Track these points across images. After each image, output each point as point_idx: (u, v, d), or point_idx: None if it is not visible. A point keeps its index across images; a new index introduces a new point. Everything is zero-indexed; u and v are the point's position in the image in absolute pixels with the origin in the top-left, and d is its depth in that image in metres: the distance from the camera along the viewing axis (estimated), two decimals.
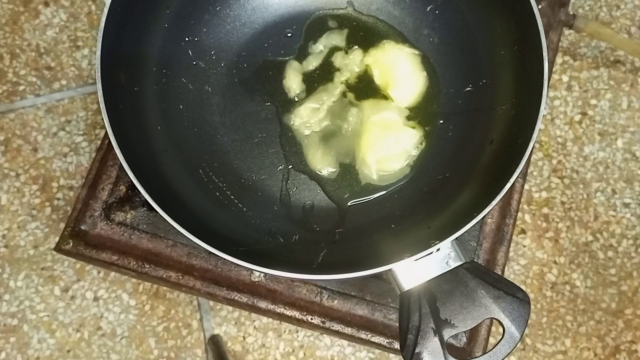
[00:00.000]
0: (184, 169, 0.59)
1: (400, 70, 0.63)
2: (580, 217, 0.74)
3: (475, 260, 0.60)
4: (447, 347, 0.47)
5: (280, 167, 0.61)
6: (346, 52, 0.64)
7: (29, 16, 0.80)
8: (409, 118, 0.62)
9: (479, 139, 0.59)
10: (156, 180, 0.55)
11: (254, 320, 0.70)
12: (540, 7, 0.67)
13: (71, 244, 0.61)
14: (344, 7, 0.66)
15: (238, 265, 0.49)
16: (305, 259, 0.55)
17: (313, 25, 0.65)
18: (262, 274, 0.60)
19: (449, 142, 0.61)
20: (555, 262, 0.72)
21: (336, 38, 0.65)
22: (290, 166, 0.61)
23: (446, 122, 0.62)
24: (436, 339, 0.47)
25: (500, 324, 0.47)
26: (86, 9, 0.81)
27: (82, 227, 0.62)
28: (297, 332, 0.70)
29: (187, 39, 0.62)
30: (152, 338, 0.70)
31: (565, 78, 0.78)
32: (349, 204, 0.60)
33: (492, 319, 0.49)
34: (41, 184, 0.74)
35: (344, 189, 0.60)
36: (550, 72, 0.70)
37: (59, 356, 0.69)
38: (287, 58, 0.64)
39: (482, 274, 0.49)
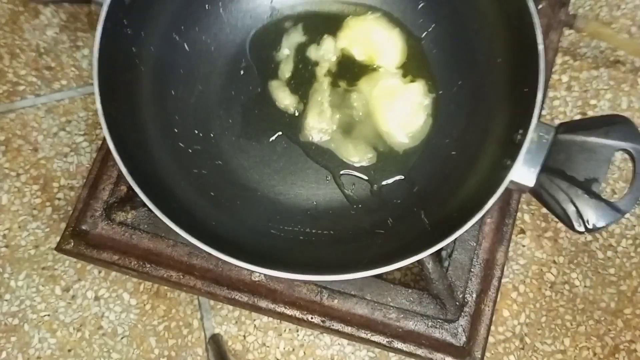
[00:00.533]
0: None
1: (377, 39, 0.64)
2: None
3: (477, 252, 0.61)
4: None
5: (328, 179, 0.62)
6: (318, 44, 0.64)
7: (29, 16, 0.80)
8: (404, 75, 0.63)
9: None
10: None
11: (255, 320, 0.70)
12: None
13: (72, 243, 0.61)
14: (269, 13, 0.65)
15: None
16: (414, 228, 0.57)
17: (256, 45, 0.65)
18: (262, 274, 0.60)
19: (454, 84, 0.62)
20: (554, 262, 0.72)
21: (295, 36, 0.65)
22: (338, 172, 0.62)
23: (440, 63, 0.63)
24: (592, 199, 0.49)
25: (627, 152, 0.49)
26: (86, 9, 0.81)
27: (83, 227, 0.62)
28: (297, 331, 0.70)
29: (173, 143, 0.61)
30: (152, 337, 0.70)
31: (565, 78, 0.78)
32: (410, 166, 0.61)
33: (619, 151, 0.51)
34: (42, 184, 0.74)
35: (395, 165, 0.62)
36: (550, 72, 0.71)
37: (59, 355, 0.69)
38: (259, 89, 0.64)
39: (577, 127, 0.51)
